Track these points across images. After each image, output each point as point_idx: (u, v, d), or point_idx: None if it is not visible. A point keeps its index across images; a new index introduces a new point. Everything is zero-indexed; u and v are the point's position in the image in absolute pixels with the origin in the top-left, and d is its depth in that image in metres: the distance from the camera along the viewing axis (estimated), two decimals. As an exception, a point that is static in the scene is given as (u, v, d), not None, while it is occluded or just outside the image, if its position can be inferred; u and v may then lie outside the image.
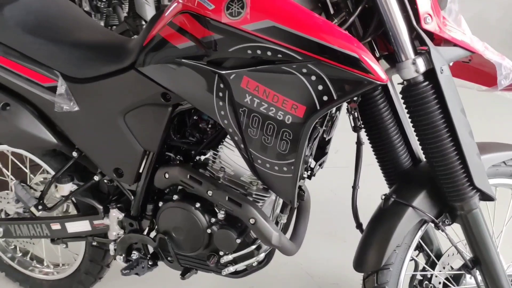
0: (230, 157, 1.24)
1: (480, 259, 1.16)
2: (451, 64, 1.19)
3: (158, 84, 1.21)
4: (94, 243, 1.55)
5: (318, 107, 0.99)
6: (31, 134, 1.36)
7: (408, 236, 1.16)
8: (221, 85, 1.09)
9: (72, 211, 1.64)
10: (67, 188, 1.46)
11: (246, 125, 1.09)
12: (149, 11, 2.29)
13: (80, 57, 1.32)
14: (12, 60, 1.35)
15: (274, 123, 1.05)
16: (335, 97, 0.97)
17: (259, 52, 1.00)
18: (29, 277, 1.85)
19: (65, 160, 1.48)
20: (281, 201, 1.34)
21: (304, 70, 0.97)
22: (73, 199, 1.55)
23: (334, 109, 1.30)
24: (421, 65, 1.03)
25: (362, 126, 1.22)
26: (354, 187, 1.26)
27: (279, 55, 0.98)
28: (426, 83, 1.04)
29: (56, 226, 1.54)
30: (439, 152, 1.07)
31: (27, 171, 1.69)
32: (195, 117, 1.30)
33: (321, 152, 1.41)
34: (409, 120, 1.12)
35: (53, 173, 1.51)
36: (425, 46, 1.03)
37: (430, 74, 1.04)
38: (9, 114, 1.35)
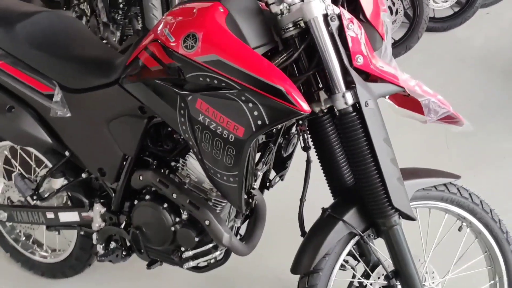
0: (194, 166, 1.43)
1: (399, 271, 1.30)
2: (386, 97, 1.35)
3: (136, 99, 1.41)
4: (82, 232, 1.76)
5: (254, 129, 1.16)
6: (30, 134, 1.58)
7: (338, 246, 1.31)
8: (182, 104, 1.28)
9: (68, 203, 1.87)
10: (59, 182, 1.68)
11: (200, 140, 1.27)
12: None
13: (74, 70, 1.54)
14: (19, 70, 1.58)
15: (221, 140, 1.23)
16: (267, 122, 1.14)
17: (208, 80, 1.19)
18: (29, 259, 2.09)
19: (61, 158, 1.70)
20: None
21: (243, 98, 1.15)
22: (68, 193, 1.78)
23: (291, 130, 1.48)
24: (349, 98, 1.19)
25: (312, 146, 1.39)
26: (302, 200, 1.42)
27: (223, 84, 1.17)
28: (354, 114, 1.20)
29: (50, 215, 1.76)
30: (363, 175, 1.23)
31: (33, 164, 1.93)
32: (168, 129, 1.50)
33: (282, 166, 1.59)
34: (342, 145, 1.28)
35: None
36: (354, 82, 1.19)
37: (358, 106, 1.20)
38: (13, 116, 1.58)
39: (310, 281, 1.31)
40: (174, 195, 1.43)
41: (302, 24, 1.21)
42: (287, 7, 1.21)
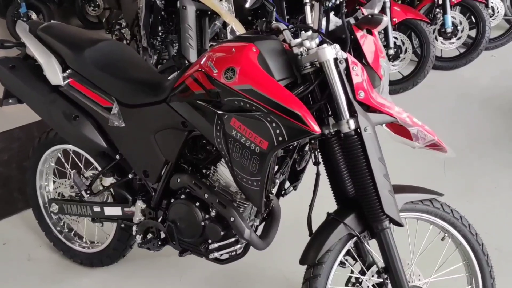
0: (224, 172, 1.75)
1: (389, 268, 1.59)
2: (383, 125, 1.66)
3: (180, 115, 1.73)
4: (122, 225, 2.08)
5: (275, 144, 1.48)
6: (90, 139, 1.92)
7: (339, 244, 1.60)
8: (219, 121, 1.60)
9: (110, 200, 2.19)
10: (109, 181, 2.02)
11: (232, 150, 1.59)
12: (192, 54, 2.87)
13: (130, 89, 1.88)
14: (85, 86, 1.93)
15: (248, 151, 1.54)
16: (286, 139, 1.46)
17: (241, 103, 1.51)
18: (70, 248, 2.40)
19: (110, 161, 2.03)
20: (256, 208, 1.81)
21: (269, 119, 1.47)
22: (111, 190, 2.10)
23: (305, 148, 1.79)
24: (352, 124, 1.50)
25: (322, 161, 1.69)
26: (311, 206, 1.72)
27: (253, 107, 1.49)
28: (355, 137, 1.51)
29: (97, 209, 2.08)
30: (361, 186, 1.53)
31: (82, 166, 2.27)
32: (203, 141, 1.82)
33: (295, 178, 1.90)
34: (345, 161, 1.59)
35: (100, 169, 2.07)
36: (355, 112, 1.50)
37: (359, 131, 1.51)
38: (78, 123, 1.92)
39: (315, 271, 1.59)
40: (206, 195, 1.74)
41: (317, 64, 1.53)
42: (306, 50, 1.54)
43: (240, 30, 2.94)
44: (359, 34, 1.50)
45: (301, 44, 1.55)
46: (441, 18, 4.13)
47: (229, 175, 1.71)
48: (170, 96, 1.75)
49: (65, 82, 1.94)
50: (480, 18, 4.14)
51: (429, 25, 3.92)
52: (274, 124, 1.47)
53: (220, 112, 1.58)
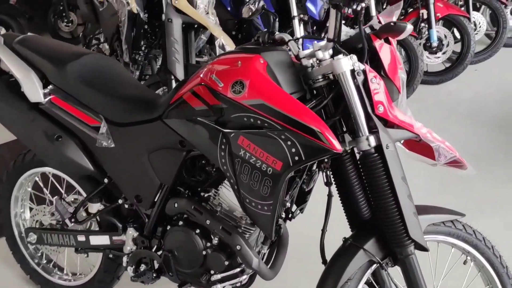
0: (227, 195, 1.58)
1: (414, 297, 1.45)
2: (401, 142, 1.54)
3: (178, 134, 1.57)
4: (110, 256, 1.88)
5: (291, 164, 1.33)
6: (74, 161, 1.73)
7: (359, 272, 1.46)
8: (224, 140, 1.45)
9: (95, 227, 1.99)
10: (96, 207, 1.82)
11: (239, 172, 1.43)
12: (178, 69, 2.71)
13: (119, 106, 1.71)
14: (69, 104, 1.75)
15: (259, 172, 1.39)
16: (303, 158, 1.31)
17: (252, 120, 1.36)
18: (49, 281, 2.18)
19: (96, 185, 1.84)
20: (263, 234, 1.66)
21: (283, 137, 1.33)
22: (97, 217, 1.90)
23: (313, 167, 1.65)
24: (372, 141, 1.37)
25: (333, 181, 1.56)
26: (323, 230, 1.57)
27: (266, 124, 1.34)
28: (376, 155, 1.38)
29: (81, 238, 1.88)
30: (383, 208, 1.39)
31: (63, 191, 2.06)
32: (203, 161, 1.66)
33: (302, 200, 1.75)
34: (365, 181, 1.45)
35: (84, 194, 1.87)
36: (376, 127, 1.38)
37: (379, 149, 1.38)
38: (61, 144, 1.73)
39: (333, 304, 1.44)
40: (208, 222, 1.57)
41: (331, 77, 1.40)
42: (317, 62, 1.41)
43: (230, 44, 2.81)
44: (378, 43, 1.38)
45: (311, 56, 1.42)
46: (427, 32, 4.11)
47: (233, 198, 1.55)
48: (166, 112, 1.58)
49: (46, 99, 1.75)
50: (465, 32, 4.15)
51: (415, 39, 3.89)
52: (289, 142, 1.32)
53: (225, 130, 1.43)
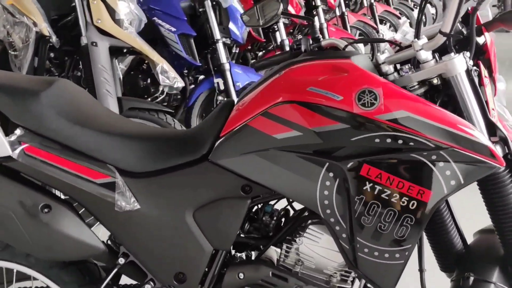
0: (312, 249, 1.19)
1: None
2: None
3: (239, 176, 1.14)
4: None
5: (446, 191, 1.04)
6: (75, 240, 1.14)
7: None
8: (330, 174, 1.08)
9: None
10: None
11: (360, 214, 1.07)
12: (112, 103, 2.14)
13: (138, 150, 1.19)
14: (53, 153, 1.15)
15: (395, 209, 1.06)
16: (462, 182, 1.03)
17: (388, 140, 1.03)
18: None
19: (78, 273, 1.25)
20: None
21: (434, 157, 1.03)
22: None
23: None
24: (499, 151, 1.14)
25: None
26: (421, 270, 1.29)
27: (411, 143, 1.03)
28: (504, 169, 1.16)
29: None
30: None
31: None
32: (265, 210, 1.24)
33: None
34: (483, 200, 1.22)
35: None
36: (496, 135, 1.16)
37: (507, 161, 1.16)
38: (51, 218, 1.12)
39: None
40: (296, 288, 1.16)
41: (435, 81, 1.16)
42: (409, 67, 1.15)
43: (170, 69, 2.35)
44: (489, 36, 1.19)
45: (390, 62, 1.15)
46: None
47: (320, 250, 1.18)
48: (216, 149, 1.14)
49: (17, 151, 1.12)
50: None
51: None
52: (441, 164, 1.03)
53: (336, 161, 1.06)
